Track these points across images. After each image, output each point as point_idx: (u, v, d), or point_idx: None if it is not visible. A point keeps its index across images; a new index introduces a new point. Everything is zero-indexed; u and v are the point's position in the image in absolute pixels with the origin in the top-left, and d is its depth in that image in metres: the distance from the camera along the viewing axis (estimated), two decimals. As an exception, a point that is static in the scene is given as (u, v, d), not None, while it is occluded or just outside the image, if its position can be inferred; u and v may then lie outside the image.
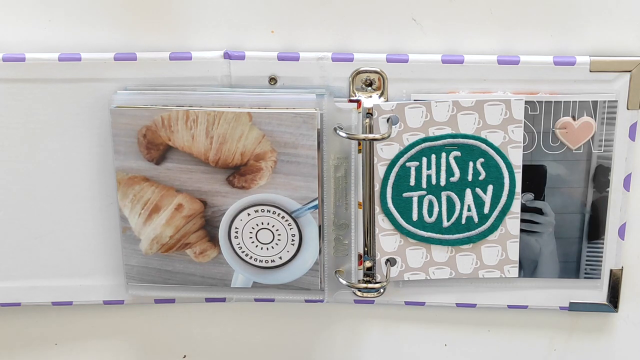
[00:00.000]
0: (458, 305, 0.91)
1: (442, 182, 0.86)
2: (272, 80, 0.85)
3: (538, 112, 0.85)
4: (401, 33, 0.85)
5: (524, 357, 0.95)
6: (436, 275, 0.89)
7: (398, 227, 0.87)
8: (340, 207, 0.88)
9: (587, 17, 0.84)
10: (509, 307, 0.91)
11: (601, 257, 0.89)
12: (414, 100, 0.85)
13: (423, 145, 0.85)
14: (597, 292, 0.91)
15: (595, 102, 0.84)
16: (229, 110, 0.83)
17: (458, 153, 0.85)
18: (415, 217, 0.87)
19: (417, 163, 0.85)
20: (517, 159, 0.85)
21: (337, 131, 0.84)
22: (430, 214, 0.87)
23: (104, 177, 0.88)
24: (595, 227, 0.88)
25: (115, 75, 0.85)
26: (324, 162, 0.85)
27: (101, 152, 0.87)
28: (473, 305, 0.91)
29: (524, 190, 0.87)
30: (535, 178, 0.87)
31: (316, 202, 0.85)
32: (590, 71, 0.84)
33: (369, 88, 0.85)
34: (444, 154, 0.85)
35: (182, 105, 0.84)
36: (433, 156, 0.85)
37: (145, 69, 0.85)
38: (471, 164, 0.85)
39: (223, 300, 0.91)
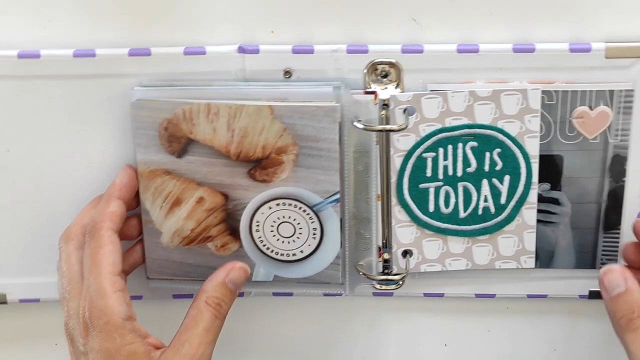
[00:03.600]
0: (477, 295, 0.92)
1: (459, 173, 0.87)
2: (287, 73, 0.86)
3: (555, 102, 0.86)
4: (416, 24, 0.86)
5: (524, 357, 0.96)
6: (452, 267, 0.90)
7: (414, 218, 0.88)
8: (361, 200, 0.88)
9: (602, 3, 0.85)
10: (528, 296, 0.91)
11: (617, 247, 0.90)
12: (430, 90, 0.85)
13: (440, 135, 0.86)
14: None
15: (612, 92, 0.85)
16: (251, 103, 0.84)
17: (475, 143, 0.86)
18: (431, 208, 0.88)
19: (434, 154, 0.86)
20: (533, 149, 0.86)
21: (355, 123, 0.84)
22: (446, 204, 0.88)
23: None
24: (611, 217, 0.89)
25: (130, 70, 0.86)
26: (344, 155, 0.86)
27: (118, 148, 0.88)
28: (492, 296, 0.91)
29: (540, 181, 0.88)
30: (551, 168, 0.88)
31: (338, 196, 0.86)
32: (606, 57, 0.85)
33: (385, 79, 0.86)
34: (460, 145, 0.86)
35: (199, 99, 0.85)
36: (450, 147, 0.86)
37: (159, 64, 0.86)
38: (488, 154, 0.86)
39: (241, 295, 0.91)
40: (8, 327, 0.96)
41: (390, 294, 0.93)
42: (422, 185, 0.87)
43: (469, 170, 0.87)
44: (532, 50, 0.85)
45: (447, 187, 0.87)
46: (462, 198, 0.88)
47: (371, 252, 0.90)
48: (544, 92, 0.85)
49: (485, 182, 0.87)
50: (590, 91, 0.85)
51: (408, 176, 0.87)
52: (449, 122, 0.86)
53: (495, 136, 0.86)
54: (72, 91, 0.86)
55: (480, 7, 0.85)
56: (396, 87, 0.86)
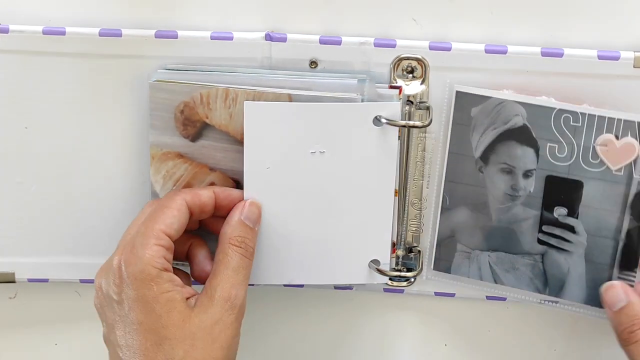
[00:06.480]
0: (488, 298, 0.91)
1: None
2: (313, 64, 0.85)
3: (580, 124, 0.83)
4: (444, 21, 0.85)
5: (524, 357, 0.95)
6: None
7: None
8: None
9: (633, 11, 0.84)
10: (540, 302, 0.90)
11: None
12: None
13: None
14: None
15: (640, 123, 0.83)
16: (270, 90, 0.83)
17: None
18: None
19: None
20: None
21: (378, 117, 0.83)
22: None
23: (138, 155, 0.89)
24: (628, 257, 0.85)
25: (155, 52, 0.86)
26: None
27: (137, 130, 0.88)
28: (503, 299, 0.90)
29: (557, 204, 0.85)
30: (570, 192, 0.85)
31: (357, 191, 0.85)
32: (634, 67, 0.83)
33: (410, 75, 0.85)
34: None
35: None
36: None
37: (185, 48, 0.86)
38: None
39: (251, 285, 0.91)
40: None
41: (401, 291, 0.92)
42: None
43: None
44: (560, 55, 0.84)
45: None
46: None
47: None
48: (570, 112, 0.83)
49: None
50: (618, 119, 0.83)
51: None
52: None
53: None
54: (96, 71, 0.86)
55: (511, 8, 0.85)
56: (421, 84, 0.85)
